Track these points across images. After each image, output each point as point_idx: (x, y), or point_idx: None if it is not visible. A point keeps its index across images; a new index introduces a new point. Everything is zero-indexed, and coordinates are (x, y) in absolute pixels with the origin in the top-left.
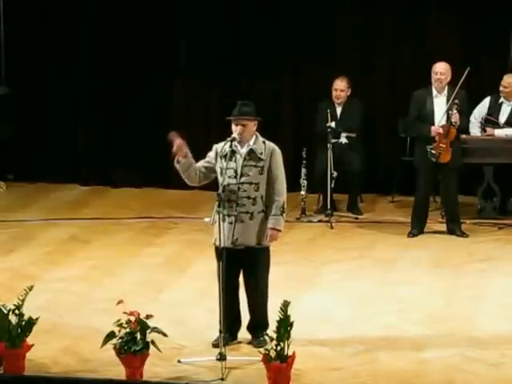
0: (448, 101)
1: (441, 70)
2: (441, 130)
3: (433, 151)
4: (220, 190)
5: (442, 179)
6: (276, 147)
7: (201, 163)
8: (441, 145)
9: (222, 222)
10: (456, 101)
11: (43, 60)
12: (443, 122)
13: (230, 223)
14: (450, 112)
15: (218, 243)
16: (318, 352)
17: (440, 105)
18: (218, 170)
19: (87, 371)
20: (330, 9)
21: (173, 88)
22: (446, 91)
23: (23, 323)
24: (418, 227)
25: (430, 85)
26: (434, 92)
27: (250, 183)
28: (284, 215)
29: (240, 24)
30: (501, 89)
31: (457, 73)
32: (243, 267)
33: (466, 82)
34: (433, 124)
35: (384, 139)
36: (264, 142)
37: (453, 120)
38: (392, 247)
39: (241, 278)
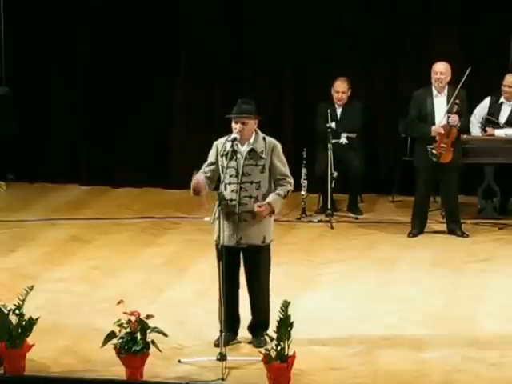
0: (448, 100)
1: (440, 69)
2: (441, 130)
3: (433, 151)
4: (221, 189)
5: (443, 179)
6: (276, 142)
7: (205, 171)
8: (442, 145)
9: (223, 221)
10: (457, 101)
11: (43, 60)
12: (444, 121)
13: (233, 222)
14: (449, 113)
15: (219, 241)
16: (318, 352)
17: (440, 104)
18: (220, 168)
19: (87, 371)
20: (330, 9)
21: (174, 88)
22: (446, 91)
23: (23, 323)
24: (418, 227)
25: (430, 85)
26: (435, 92)
27: (251, 182)
28: (285, 200)
29: (241, 24)
30: (505, 89)
31: (457, 73)
32: (245, 266)
33: (465, 82)
34: (433, 124)
35: (384, 139)
36: (264, 139)
37: (450, 121)
38: (392, 247)
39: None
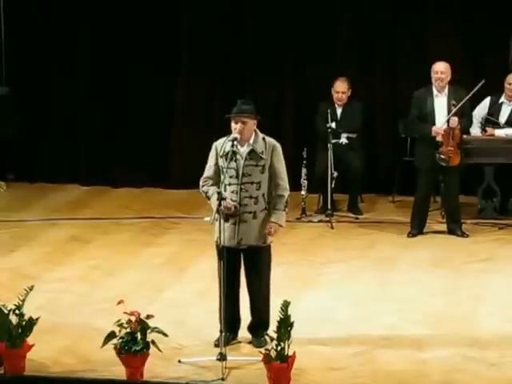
0: (449, 100)
1: (441, 69)
2: (442, 131)
3: (442, 156)
4: (221, 189)
5: (444, 179)
6: (276, 143)
7: (209, 175)
8: (449, 148)
9: (224, 222)
10: (453, 102)
11: (43, 60)
12: (445, 126)
13: (234, 224)
14: (450, 115)
15: (219, 241)
16: (318, 352)
17: (441, 104)
18: (220, 169)
19: (87, 371)
20: (330, 9)
21: (175, 88)
22: (446, 90)
23: (24, 323)
24: (417, 227)
25: (430, 84)
26: (435, 92)
27: (252, 183)
28: (286, 210)
29: (242, 24)
30: (511, 87)
31: (457, 72)
32: (245, 266)
33: (465, 82)
34: (433, 124)
35: (384, 139)
36: (264, 139)
37: (450, 124)
38: (392, 247)
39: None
